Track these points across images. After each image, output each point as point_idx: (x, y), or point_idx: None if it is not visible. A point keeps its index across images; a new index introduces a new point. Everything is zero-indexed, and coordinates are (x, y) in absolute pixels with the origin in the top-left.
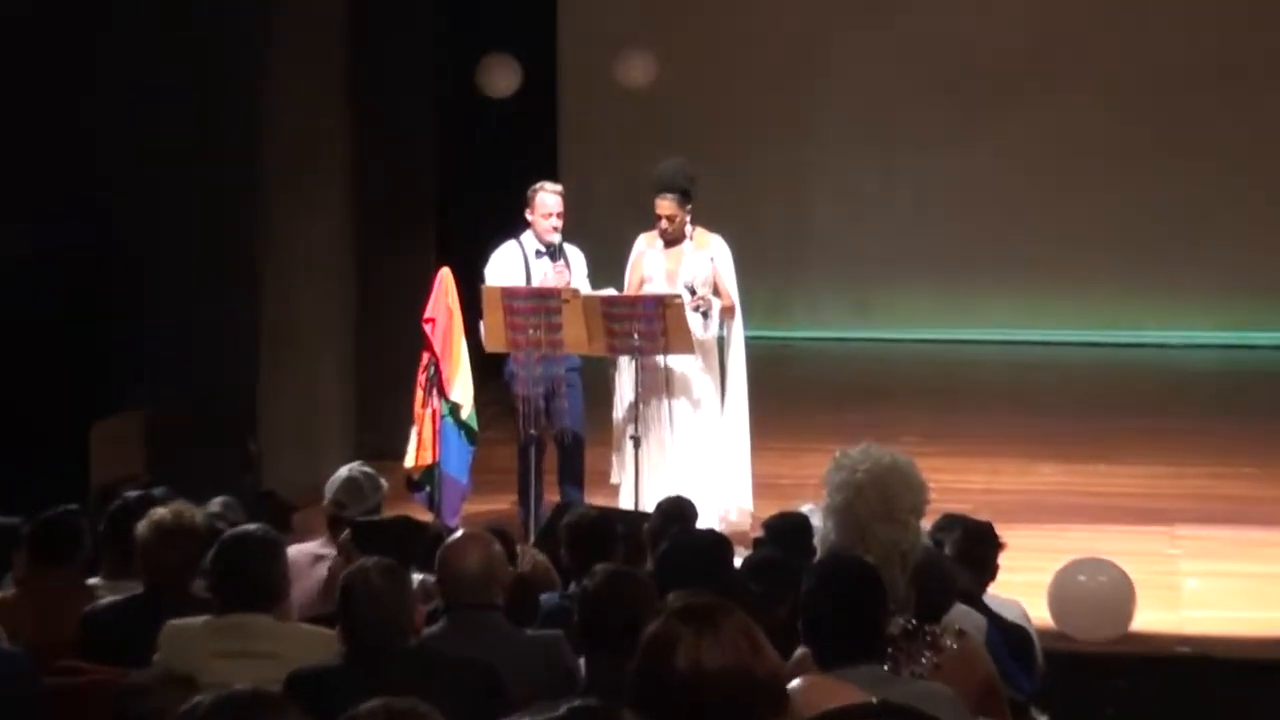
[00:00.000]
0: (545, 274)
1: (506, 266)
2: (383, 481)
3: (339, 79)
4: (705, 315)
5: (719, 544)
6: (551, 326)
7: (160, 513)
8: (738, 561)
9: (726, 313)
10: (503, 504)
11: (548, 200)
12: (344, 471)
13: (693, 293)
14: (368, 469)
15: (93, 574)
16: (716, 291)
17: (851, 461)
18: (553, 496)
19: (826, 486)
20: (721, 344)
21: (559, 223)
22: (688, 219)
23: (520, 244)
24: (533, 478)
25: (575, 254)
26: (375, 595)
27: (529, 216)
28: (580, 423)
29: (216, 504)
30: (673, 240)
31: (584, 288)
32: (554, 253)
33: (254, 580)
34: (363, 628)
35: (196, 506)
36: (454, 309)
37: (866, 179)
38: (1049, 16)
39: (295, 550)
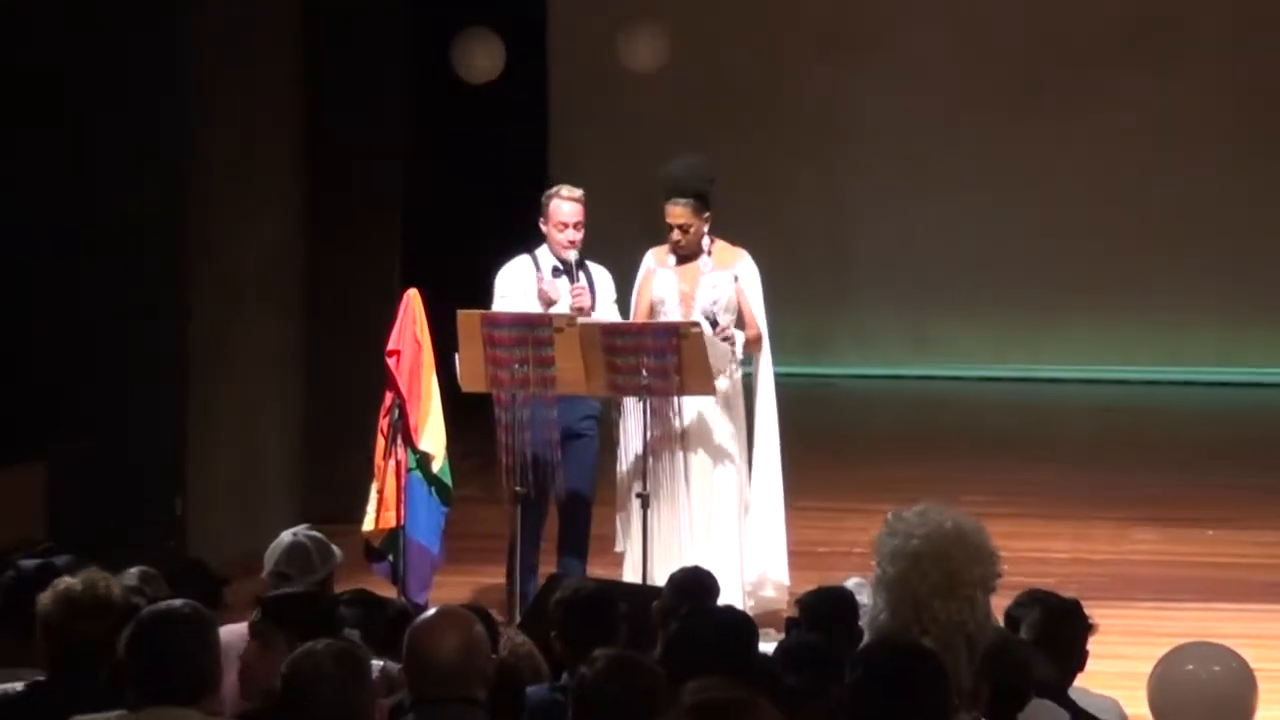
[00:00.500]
0: (541, 288)
1: (520, 286)
2: (335, 550)
3: (289, 58)
4: (728, 338)
5: (740, 625)
6: (541, 361)
7: (68, 582)
8: (768, 647)
9: (753, 344)
10: (483, 576)
11: (563, 208)
12: (288, 536)
13: (714, 324)
14: (317, 534)
15: None
16: (741, 319)
17: (906, 526)
18: (550, 568)
19: (876, 556)
20: (747, 382)
21: (577, 236)
22: (705, 229)
23: (535, 259)
24: (518, 545)
25: (601, 274)
26: (326, 687)
27: (543, 227)
28: (589, 483)
29: (133, 575)
30: (687, 256)
31: (611, 316)
32: (571, 271)
33: (178, 667)
34: None
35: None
36: (423, 340)
37: (923, 187)
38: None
39: (227, 632)
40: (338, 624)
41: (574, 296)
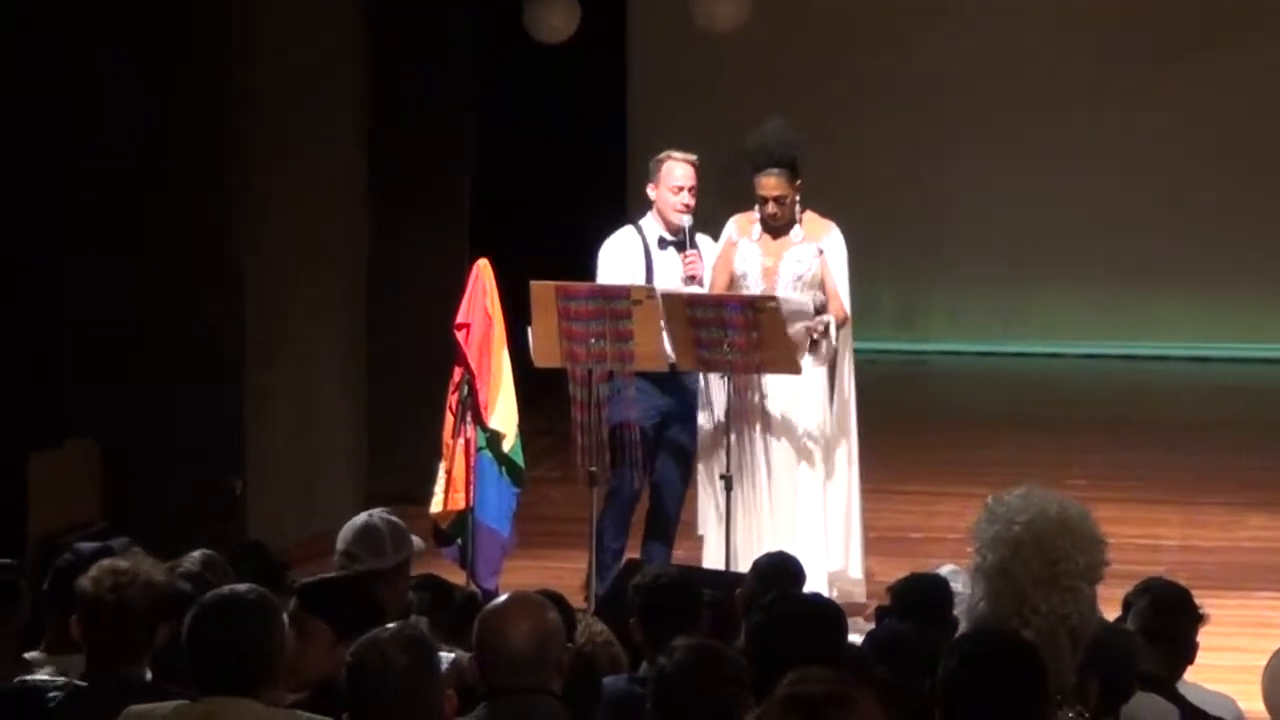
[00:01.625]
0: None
1: (625, 260)
2: (416, 540)
3: (354, 18)
4: (816, 341)
5: (829, 613)
6: (619, 335)
7: (113, 562)
8: (856, 638)
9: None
10: (557, 561)
11: (676, 170)
12: (362, 517)
13: (820, 319)
14: (395, 519)
15: (32, 646)
16: (824, 295)
17: (1008, 511)
18: (633, 554)
19: (975, 542)
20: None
21: (691, 201)
22: (797, 199)
23: (640, 231)
24: (592, 528)
25: (707, 245)
26: (393, 676)
27: (651, 194)
28: (687, 468)
29: (195, 559)
30: (780, 228)
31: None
32: (687, 238)
33: (240, 655)
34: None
35: (162, 561)
36: (494, 312)
37: (1022, 153)
38: None
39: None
40: (381, 612)
41: (686, 265)
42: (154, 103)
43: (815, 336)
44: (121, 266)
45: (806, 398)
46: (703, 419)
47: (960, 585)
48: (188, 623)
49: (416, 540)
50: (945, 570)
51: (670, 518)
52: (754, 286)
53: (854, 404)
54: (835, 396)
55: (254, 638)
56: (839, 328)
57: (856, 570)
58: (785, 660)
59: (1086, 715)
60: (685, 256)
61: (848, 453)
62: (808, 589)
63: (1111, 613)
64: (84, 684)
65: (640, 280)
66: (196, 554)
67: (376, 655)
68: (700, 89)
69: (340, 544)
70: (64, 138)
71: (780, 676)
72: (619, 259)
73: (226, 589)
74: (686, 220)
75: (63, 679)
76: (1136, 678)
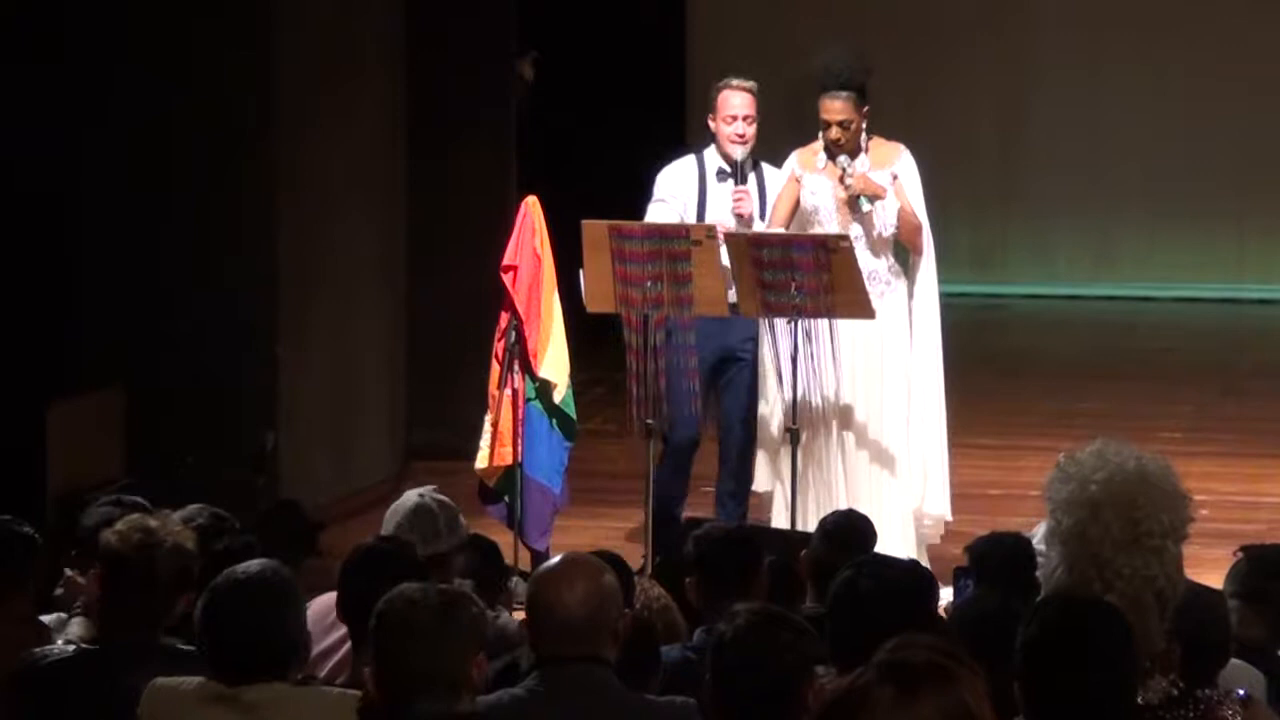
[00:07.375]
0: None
1: (678, 190)
2: (464, 522)
3: None
4: (855, 200)
5: (921, 582)
6: (677, 278)
7: (137, 521)
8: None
9: (910, 232)
10: (612, 520)
11: (732, 99)
12: (413, 497)
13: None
14: (447, 499)
15: (48, 609)
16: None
17: (1082, 469)
18: (690, 512)
19: (1049, 504)
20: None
21: (747, 130)
22: (864, 126)
23: (701, 160)
24: (653, 485)
25: (775, 178)
26: (414, 634)
27: (711, 125)
28: (752, 412)
29: (203, 514)
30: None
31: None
32: (739, 173)
33: (260, 640)
34: (397, 677)
35: (178, 517)
36: (543, 253)
37: (1111, 79)
38: None
39: (324, 601)
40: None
41: (735, 202)
42: (181, 35)
43: (847, 183)
44: (148, 204)
45: (885, 343)
46: (765, 365)
47: (1043, 545)
48: (200, 607)
49: (464, 523)
50: (1036, 536)
51: (745, 467)
52: (828, 220)
53: (938, 337)
54: (917, 329)
55: (271, 624)
56: (915, 238)
57: (944, 509)
58: (869, 631)
59: (1181, 684)
60: (734, 194)
61: (930, 388)
62: (880, 549)
63: (1212, 575)
64: (94, 648)
65: (692, 212)
66: (206, 511)
67: (402, 605)
68: (764, 13)
69: (389, 524)
70: (91, 72)
71: (862, 644)
72: (671, 189)
73: (240, 569)
74: (740, 152)
75: (71, 646)
76: (1229, 641)
